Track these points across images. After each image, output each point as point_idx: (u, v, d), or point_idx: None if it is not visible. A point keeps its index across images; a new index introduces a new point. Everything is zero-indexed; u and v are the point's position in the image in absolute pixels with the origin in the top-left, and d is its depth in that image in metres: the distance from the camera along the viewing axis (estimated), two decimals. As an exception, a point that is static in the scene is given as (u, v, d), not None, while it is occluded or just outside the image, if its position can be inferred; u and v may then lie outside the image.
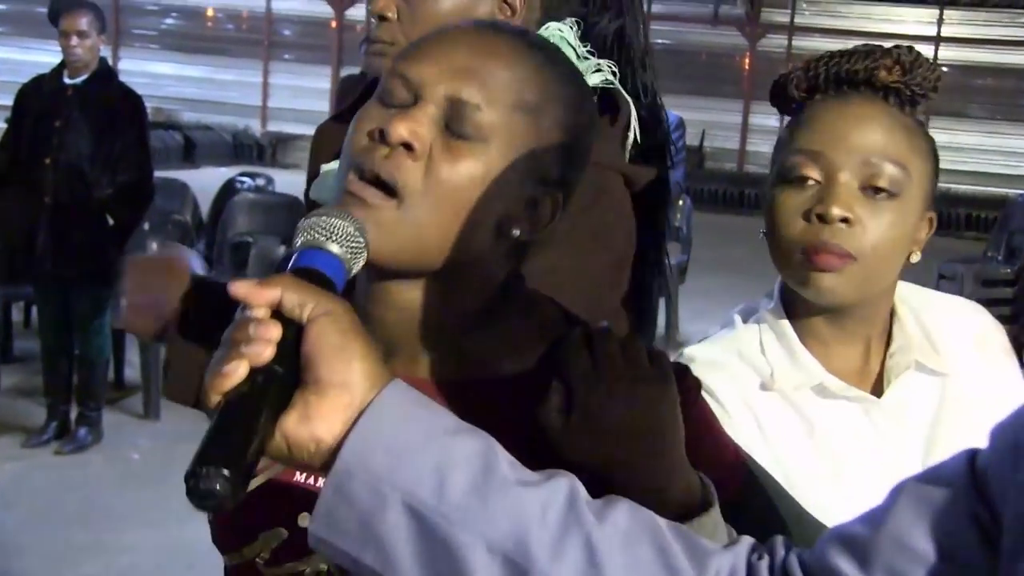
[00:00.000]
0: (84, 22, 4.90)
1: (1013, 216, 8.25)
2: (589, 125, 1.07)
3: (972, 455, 0.77)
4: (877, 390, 1.37)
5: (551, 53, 1.05)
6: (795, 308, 1.37)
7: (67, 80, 4.96)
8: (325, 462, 0.81)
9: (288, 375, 0.82)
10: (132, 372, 6.00)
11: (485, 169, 0.97)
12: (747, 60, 18.60)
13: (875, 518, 0.80)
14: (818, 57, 1.35)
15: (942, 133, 18.30)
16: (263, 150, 19.21)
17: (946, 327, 1.42)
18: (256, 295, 0.82)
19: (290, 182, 9.81)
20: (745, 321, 1.42)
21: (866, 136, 1.30)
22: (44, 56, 4.98)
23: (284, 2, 20.26)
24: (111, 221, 4.96)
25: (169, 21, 20.94)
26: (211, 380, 0.80)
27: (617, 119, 1.47)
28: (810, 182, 1.30)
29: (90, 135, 4.89)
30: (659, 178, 1.55)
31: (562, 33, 1.46)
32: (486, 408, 0.96)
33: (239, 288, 0.83)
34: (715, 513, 0.96)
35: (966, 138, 17.91)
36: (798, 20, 18.51)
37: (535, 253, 1.09)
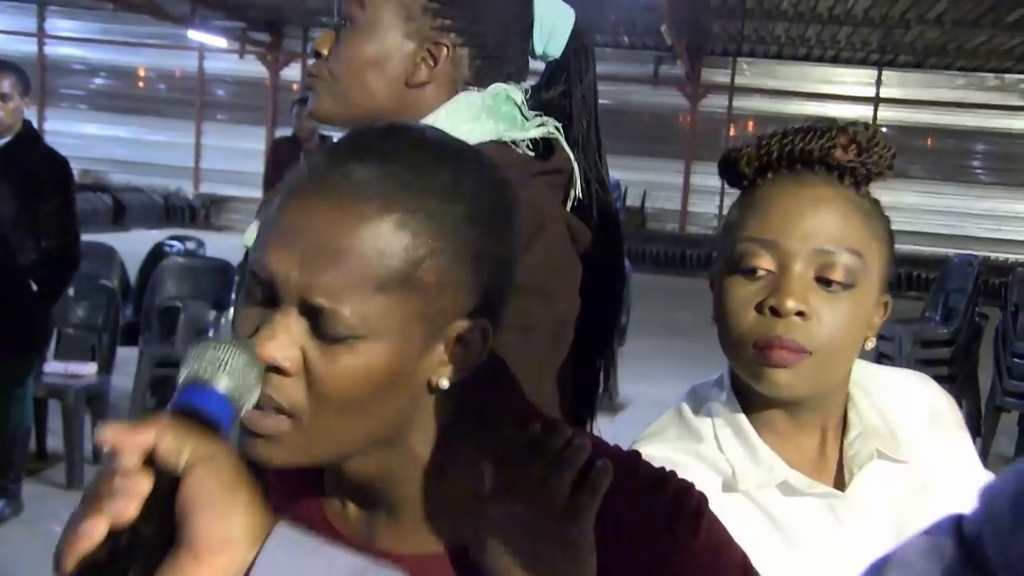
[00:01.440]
0: (6, 84, 4.79)
1: (950, 277, 8.36)
2: (501, 195, 0.94)
3: (957, 521, 0.71)
4: (839, 481, 1.31)
5: (425, 164, 0.89)
6: (748, 399, 1.30)
7: (-11, 143, 4.84)
8: None
9: (157, 536, 0.72)
10: (55, 441, 5.82)
11: (375, 363, 0.86)
12: (688, 120, 18.85)
13: None
14: (771, 134, 1.28)
15: (883, 193, 18.54)
16: (195, 212, 19.12)
17: (900, 407, 1.37)
18: (127, 440, 0.73)
19: (223, 245, 9.71)
20: (695, 412, 1.34)
21: (821, 223, 1.23)
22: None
23: (217, 62, 20.25)
24: (35, 287, 4.82)
25: (98, 81, 20.81)
26: (65, 542, 0.71)
27: (552, 164, 1.45)
28: (761, 272, 1.23)
29: (13, 199, 4.77)
30: (610, 260, 1.52)
31: (507, 91, 1.47)
32: None
33: (106, 433, 0.74)
34: None
35: (906, 198, 18.28)
36: (738, 80, 18.84)
37: None
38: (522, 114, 1.48)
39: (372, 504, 0.97)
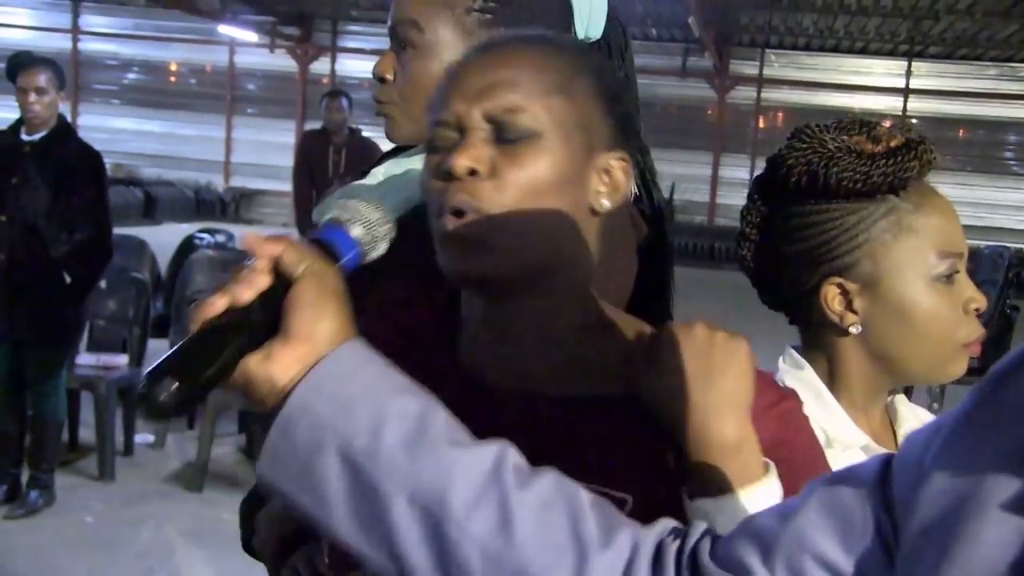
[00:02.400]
0: (43, 79, 4.86)
1: (981, 268, 8.33)
2: (622, 86, 1.13)
3: (887, 460, 0.78)
4: None
5: (556, 39, 1.12)
6: (831, 377, 1.43)
7: (24, 137, 4.91)
8: (276, 404, 0.87)
9: (266, 322, 0.88)
10: (87, 433, 5.89)
11: (550, 158, 1.02)
12: (717, 112, 18.78)
13: (786, 512, 0.82)
14: (906, 146, 1.36)
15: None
16: (226, 206, 19.21)
17: (919, 415, 1.51)
18: (260, 246, 0.90)
19: (252, 237, 9.80)
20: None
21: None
22: (2, 113, 4.93)
23: (248, 57, 20.32)
24: (68, 279, 4.89)
25: (131, 76, 20.94)
26: (194, 310, 0.87)
27: None
28: (954, 275, 1.37)
29: (47, 192, 4.83)
30: (660, 247, 1.57)
31: None
32: (602, 423, 1.05)
33: (248, 239, 0.91)
34: (772, 481, 1.00)
35: (937, 189, 18.13)
36: (766, 72, 18.74)
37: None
38: None
39: (502, 339, 1.09)
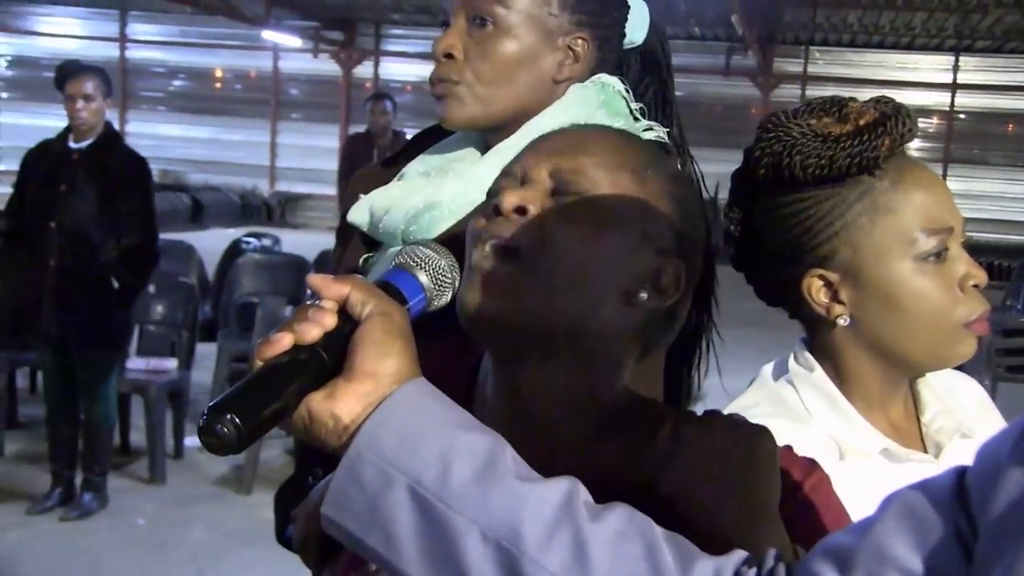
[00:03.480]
0: (90, 86, 4.91)
1: (1033, 263, 8.20)
2: (695, 200, 1.09)
3: (962, 472, 0.78)
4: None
5: (639, 140, 1.10)
6: (839, 372, 1.36)
7: (72, 144, 4.96)
8: (340, 443, 0.87)
9: (331, 361, 0.88)
10: (138, 436, 5.95)
11: (601, 226, 0.99)
12: (761, 111, 18.65)
13: (863, 527, 0.80)
14: (873, 123, 1.29)
15: (960, 181, 18.39)
16: (271, 210, 19.34)
17: (954, 394, 1.44)
18: (327, 287, 0.90)
19: (298, 242, 9.82)
20: (782, 388, 1.39)
21: (952, 198, 1.34)
22: (51, 120, 4.98)
23: (292, 62, 20.46)
24: (116, 284, 4.93)
25: (177, 83, 21.13)
26: (258, 347, 0.87)
27: None
28: (944, 252, 1.30)
29: (95, 199, 4.88)
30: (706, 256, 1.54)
31: (616, 87, 1.51)
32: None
33: (314, 279, 0.91)
34: None
35: (985, 185, 17.97)
36: (811, 70, 18.61)
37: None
38: (630, 110, 1.51)
39: (509, 408, 1.03)
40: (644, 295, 1.00)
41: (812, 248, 1.31)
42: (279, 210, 19.39)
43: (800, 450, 1.18)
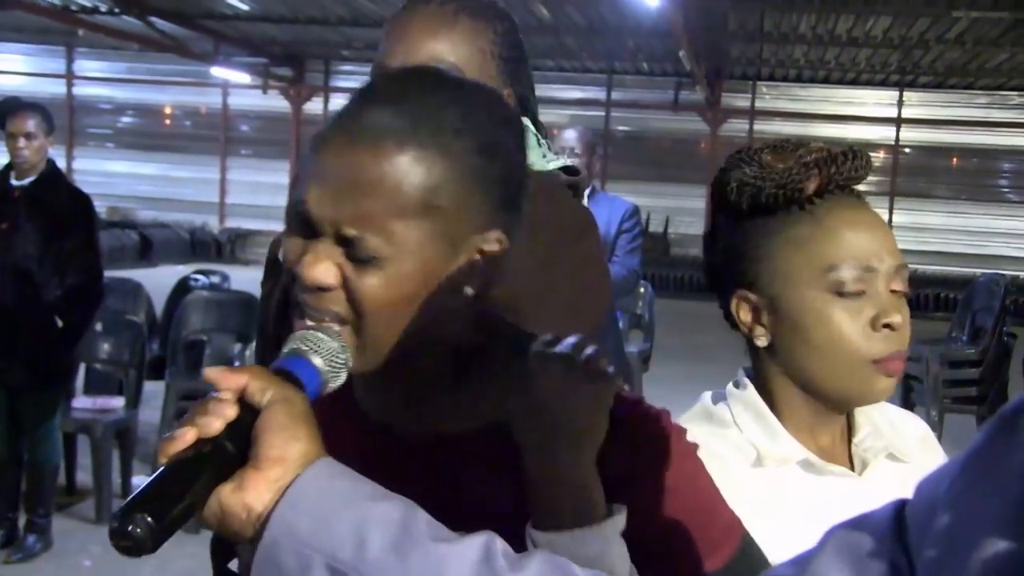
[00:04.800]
0: (31, 124, 4.87)
1: (976, 296, 8.29)
2: (501, 124, 1.07)
3: (901, 505, 0.79)
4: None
5: (434, 92, 1.04)
6: (770, 397, 1.42)
7: (14, 182, 4.92)
8: (255, 532, 0.86)
9: (236, 452, 0.88)
10: (84, 476, 5.86)
11: (405, 280, 1.00)
12: (709, 145, 18.83)
13: (802, 560, 0.81)
14: (813, 161, 1.36)
15: (906, 214, 18.67)
16: (221, 247, 19.23)
17: (893, 427, 1.49)
18: (224, 379, 0.90)
19: (248, 278, 9.75)
20: (716, 405, 1.47)
21: (889, 242, 1.37)
22: (-4, 159, 4.96)
23: (241, 98, 20.41)
24: (60, 323, 4.88)
25: (125, 119, 21.01)
26: (161, 445, 0.87)
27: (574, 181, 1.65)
28: (859, 291, 1.34)
29: (38, 237, 4.84)
30: None
31: (528, 125, 1.61)
32: (467, 459, 1.07)
33: (210, 373, 0.91)
34: (605, 531, 0.99)
35: (931, 218, 18.23)
36: (759, 104, 18.83)
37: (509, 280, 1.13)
38: (538, 144, 1.63)
39: (396, 390, 1.10)
40: (470, 290, 1.04)
41: (741, 271, 1.39)
42: (229, 247, 19.27)
43: (713, 450, 1.27)
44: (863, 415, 1.46)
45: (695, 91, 18.28)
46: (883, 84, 18.27)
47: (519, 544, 0.92)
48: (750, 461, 1.39)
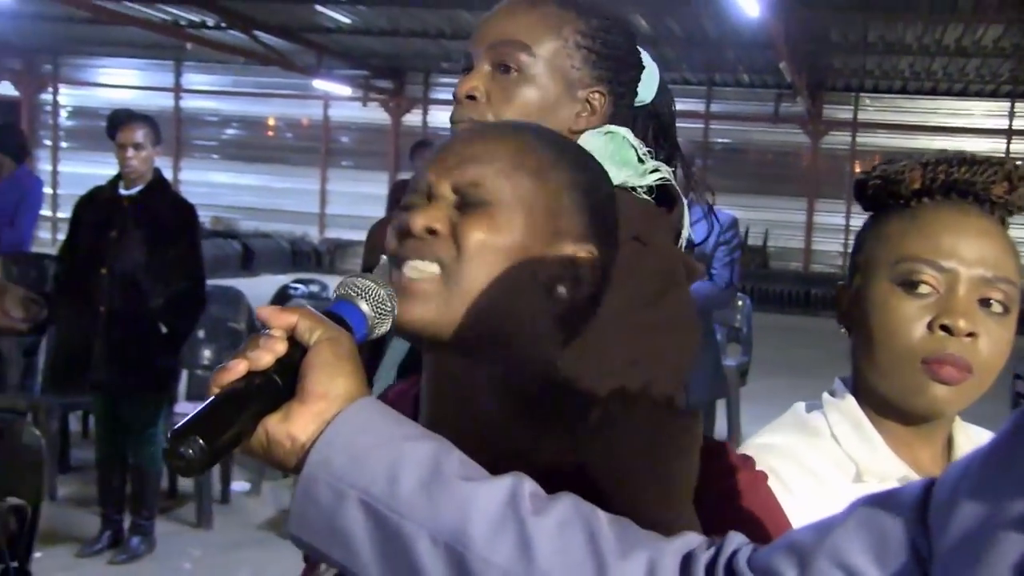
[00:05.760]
0: (140, 135, 4.99)
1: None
2: (604, 187, 1.14)
3: (929, 485, 0.78)
4: None
5: (543, 130, 1.13)
6: (871, 407, 1.38)
7: (122, 191, 5.04)
8: (297, 462, 0.91)
9: (284, 386, 0.92)
10: (185, 481, 5.98)
11: (508, 230, 1.04)
12: (810, 158, 18.57)
13: (824, 527, 0.82)
14: (931, 161, 1.35)
15: (1019, 229, 18.10)
16: (321, 257, 19.45)
17: None
18: (276, 317, 0.94)
19: (346, 288, 9.86)
20: (810, 413, 1.43)
21: (987, 251, 1.32)
22: (108, 169, 5.08)
23: (342, 110, 20.67)
24: (164, 330, 4.98)
25: (229, 131, 21.41)
26: (214, 374, 0.91)
27: (672, 211, 1.53)
28: (928, 290, 1.31)
29: (144, 245, 4.95)
30: None
31: (624, 134, 1.54)
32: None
33: (263, 311, 0.94)
34: None
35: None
36: (861, 116, 18.48)
37: (600, 334, 1.13)
38: (638, 154, 1.53)
39: (462, 420, 1.08)
40: (562, 289, 1.07)
41: (851, 263, 1.41)
42: (328, 257, 19.49)
43: (810, 464, 1.26)
44: (963, 434, 1.42)
45: (796, 103, 18.03)
46: (993, 95, 17.80)
47: None
48: (849, 476, 1.35)
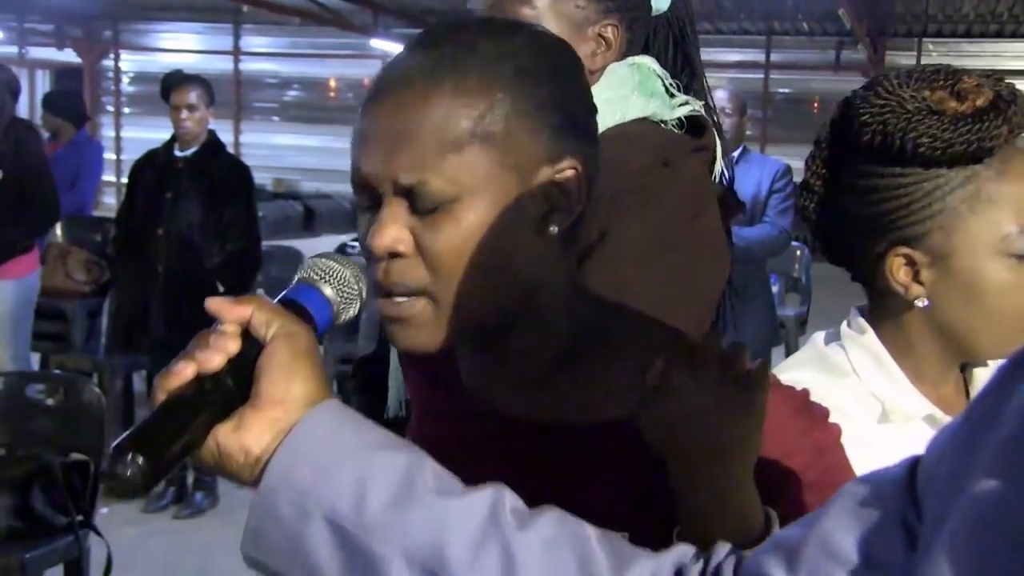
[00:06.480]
0: (193, 96, 5.04)
1: None
2: (550, 63, 0.99)
3: (915, 461, 0.75)
4: None
5: (467, 50, 0.97)
6: (891, 342, 1.34)
7: (177, 153, 5.10)
8: (253, 476, 0.83)
9: (236, 389, 0.84)
10: (248, 437, 6.08)
11: (476, 215, 0.94)
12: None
13: (811, 520, 0.78)
14: (991, 106, 1.24)
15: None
16: (382, 216, 19.50)
17: None
18: (228, 310, 0.85)
19: (405, 246, 9.90)
20: (831, 350, 1.39)
21: None
22: (170, 134, 5.13)
23: (401, 69, 20.63)
24: (221, 289, 5.05)
25: (290, 93, 21.50)
26: (159, 379, 0.83)
27: (703, 139, 1.49)
28: None
29: (200, 205, 5.01)
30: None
31: (651, 65, 1.51)
32: (575, 454, 0.99)
33: (213, 303, 0.86)
34: None
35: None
36: (924, 62, 18.04)
37: (618, 259, 1.12)
38: (665, 86, 1.50)
39: (497, 372, 1.05)
40: (554, 226, 0.98)
41: (903, 226, 1.27)
42: (389, 216, 19.58)
43: (837, 403, 1.18)
44: (984, 371, 1.38)
45: (857, 50, 17.72)
46: (1061, 36, 17.40)
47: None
48: (875, 416, 1.32)
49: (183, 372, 0.83)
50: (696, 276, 1.40)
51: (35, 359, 5.97)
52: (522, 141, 0.95)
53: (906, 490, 0.73)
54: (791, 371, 1.38)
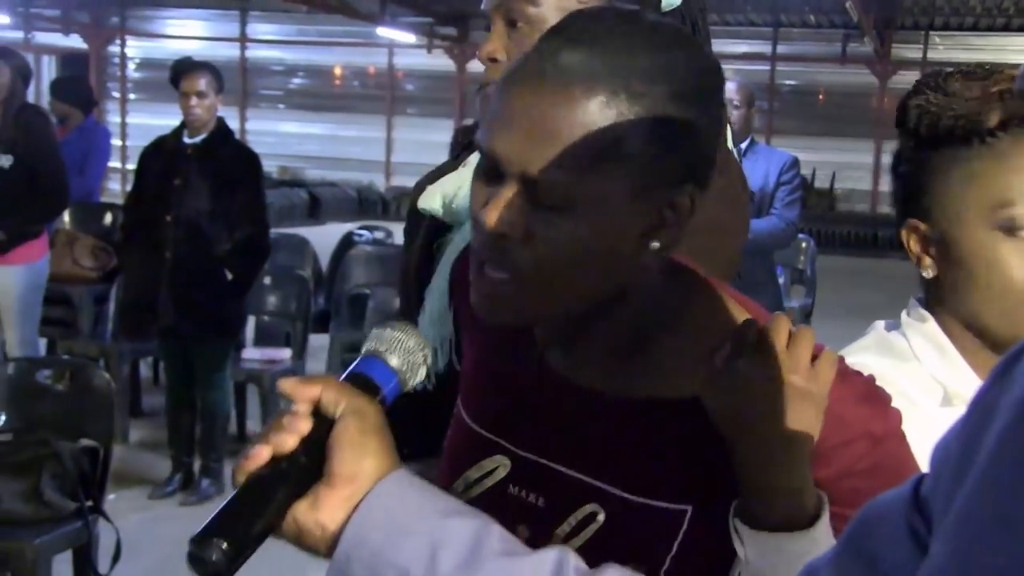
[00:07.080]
0: (202, 83, 5.04)
1: None
2: (697, 103, 0.99)
3: (921, 476, 0.75)
4: None
5: (619, 57, 0.95)
6: (948, 329, 1.37)
7: (186, 140, 5.10)
8: (329, 548, 0.86)
9: (312, 466, 0.87)
10: (253, 425, 6.11)
11: (591, 223, 0.96)
12: (879, 98, 18.22)
13: (824, 559, 0.77)
14: (999, 92, 1.29)
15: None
16: (387, 205, 19.54)
17: None
18: (298, 391, 0.89)
19: (410, 235, 9.91)
20: (893, 336, 1.41)
21: None
22: (175, 120, 5.13)
23: (407, 58, 20.64)
24: (229, 276, 5.07)
25: (296, 81, 21.49)
26: (238, 465, 0.87)
27: None
28: None
29: (208, 192, 5.01)
30: None
31: None
32: (645, 427, 1.03)
33: (286, 385, 0.90)
34: (815, 533, 0.96)
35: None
36: (931, 55, 18.06)
37: None
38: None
39: (579, 348, 1.08)
40: (656, 244, 0.99)
41: (916, 200, 1.35)
42: (395, 204, 19.58)
43: (901, 388, 1.21)
44: None
45: (863, 43, 17.69)
46: (1068, 30, 17.35)
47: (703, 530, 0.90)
48: (937, 400, 1.34)
49: (260, 455, 0.87)
50: (720, 233, 1.42)
51: (42, 344, 5.98)
52: (654, 166, 0.96)
53: (912, 501, 0.73)
54: (855, 355, 1.40)
